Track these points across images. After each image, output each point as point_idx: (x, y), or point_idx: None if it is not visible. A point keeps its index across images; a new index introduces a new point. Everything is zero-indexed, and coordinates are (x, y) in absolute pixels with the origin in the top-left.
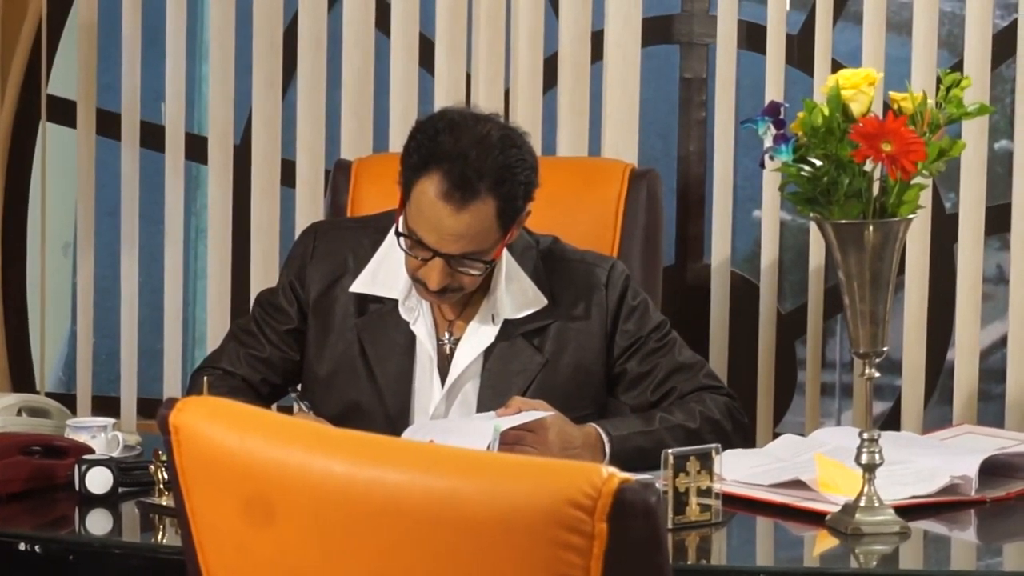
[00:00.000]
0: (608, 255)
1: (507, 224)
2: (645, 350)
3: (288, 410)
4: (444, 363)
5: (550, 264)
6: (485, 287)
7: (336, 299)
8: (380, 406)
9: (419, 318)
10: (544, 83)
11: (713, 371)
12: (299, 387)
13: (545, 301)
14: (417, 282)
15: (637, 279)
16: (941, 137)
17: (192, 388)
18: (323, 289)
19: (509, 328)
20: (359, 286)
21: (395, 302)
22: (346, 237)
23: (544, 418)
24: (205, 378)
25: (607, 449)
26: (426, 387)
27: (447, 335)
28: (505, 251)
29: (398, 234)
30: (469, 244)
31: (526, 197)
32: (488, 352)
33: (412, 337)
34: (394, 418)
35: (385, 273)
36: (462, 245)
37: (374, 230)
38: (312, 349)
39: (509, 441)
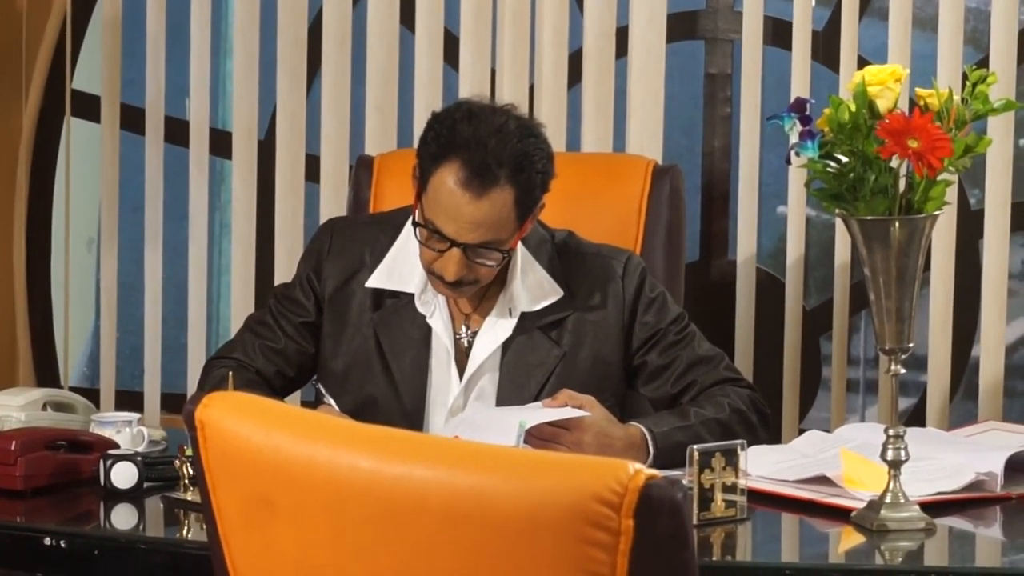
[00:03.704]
0: (624, 248)
1: (524, 214)
2: (665, 342)
3: (312, 404)
4: (462, 357)
5: (566, 257)
6: (501, 280)
7: (352, 294)
8: (396, 400)
9: (435, 312)
10: (569, 79)
11: (732, 364)
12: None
13: (561, 292)
14: (432, 275)
15: (660, 275)
16: (967, 133)
17: (205, 378)
18: (339, 284)
19: (526, 321)
20: (375, 281)
21: (411, 296)
22: (363, 233)
23: (583, 418)
24: (230, 373)
25: (651, 447)
26: (443, 381)
27: (464, 328)
28: (520, 244)
29: (415, 224)
30: (487, 233)
31: (543, 187)
32: (506, 345)
33: (428, 331)
34: (410, 412)
35: (401, 267)
36: (480, 234)
37: (390, 226)
38: (328, 344)
39: (545, 437)
